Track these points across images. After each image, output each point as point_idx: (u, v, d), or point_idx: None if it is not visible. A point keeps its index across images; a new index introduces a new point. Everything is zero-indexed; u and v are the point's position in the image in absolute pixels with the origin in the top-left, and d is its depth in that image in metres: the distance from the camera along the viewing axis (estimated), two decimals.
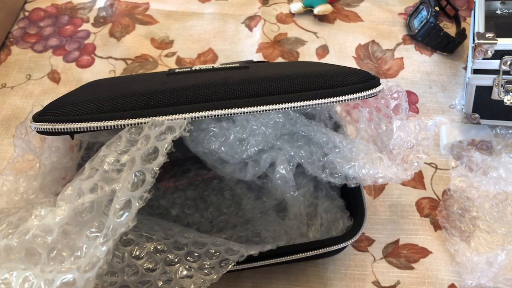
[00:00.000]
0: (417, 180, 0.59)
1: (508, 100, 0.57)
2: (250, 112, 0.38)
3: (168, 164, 0.42)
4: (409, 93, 0.69)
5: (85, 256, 0.30)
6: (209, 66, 0.53)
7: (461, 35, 0.74)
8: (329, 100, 0.40)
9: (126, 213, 0.30)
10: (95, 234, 0.31)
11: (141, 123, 0.36)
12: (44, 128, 0.37)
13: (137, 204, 0.30)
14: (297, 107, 0.39)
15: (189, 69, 0.52)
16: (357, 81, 0.41)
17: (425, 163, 0.61)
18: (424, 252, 0.53)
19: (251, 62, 0.64)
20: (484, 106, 0.61)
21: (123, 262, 0.37)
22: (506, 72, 0.57)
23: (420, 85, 0.70)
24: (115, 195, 0.31)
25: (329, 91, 0.40)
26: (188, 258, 0.39)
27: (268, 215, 0.53)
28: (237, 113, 0.38)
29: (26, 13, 0.81)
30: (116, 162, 0.33)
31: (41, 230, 0.31)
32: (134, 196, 0.30)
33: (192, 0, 0.84)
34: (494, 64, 0.57)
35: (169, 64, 0.73)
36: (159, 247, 0.39)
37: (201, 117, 0.38)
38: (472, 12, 0.65)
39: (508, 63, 0.56)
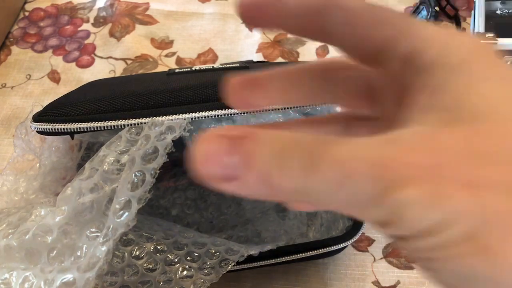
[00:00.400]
0: None
1: None
2: (250, 112, 0.38)
3: (168, 164, 0.42)
4: None
5: (85, 256, 0.30)
6: (209, 66, 0.53)
7: None
8: None
9: (126, 213, 0.30)
10: (95, 234, 0.31)
11: (141, 123, 0.36)
12: (44, 128, 0.37)
13: (137, 204, 0.30)
14: (296, 107, 0.39)
15: (189, 69, 0.52)
16: None
17: None
18: None
19: (251, 62, 0.64)
20: None
21: (123, 262, 0.37)
22: None
23: None
24: (115, 195, 0.31)
25: None
26: (188, 258, 0.39)
27: (268, 215, 0.53)
28: (237, 113, 0.38)
29: (26, 13, 0.81)
30: (116, 162, 0.33)
31: (41, 230, 0.31)
32: (134, 196, 0.30)
33: (192, 0, 0.84)
34: None
35: (169, 64, 0.73)
36: (159, 247, 0.39)
37: (201, 117, 0.38)
38: (472, 12, 0.65)
39: (508, 63, 0.56)
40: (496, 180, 0.14)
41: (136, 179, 0.31)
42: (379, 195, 0.14)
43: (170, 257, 0.39)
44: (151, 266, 0.38)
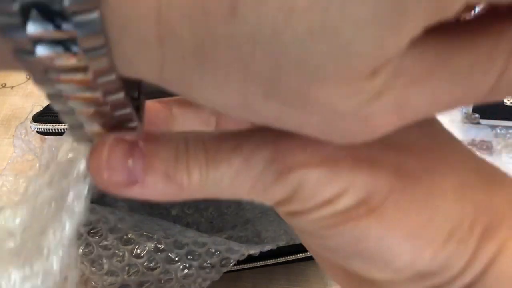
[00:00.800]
0: None
1: (508, 100, 0.57)
2: None
3: None
4: None
5: (50, 257, 0.29)
6: None
7: None
8: None
9: (78, 206, 0.29)
10: (58, 231, 0.30)
11: None
12: (44, 129, 0.37)
13: (87, 194, 0.28)
14: None
15: None
16: None
17: None
18: None
19: None
20: (484, 106, 0.61)
21: (123, 261, 0.37)
22: None
23: None
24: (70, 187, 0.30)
25: None
26: (188, 256, 0.39)
27: (268, 215, 0.53)
28: None
29: None
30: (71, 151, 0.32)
31: (4, 235, 0.30)
32: (83, 187, 0.29)
33: None
34: None
35: None
36: (159, 246, 0.39)
37: None
38: (472, 12, 0.65)
39: None
40: (382, 159, 0.16)
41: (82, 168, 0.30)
42: (280, 174, 0.15)
43: (171, 256, 0.39)
44: (151, 265, 0.38)
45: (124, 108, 0.14)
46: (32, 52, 0.11)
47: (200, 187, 0.16)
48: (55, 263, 0.29)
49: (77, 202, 0.29)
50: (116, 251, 0.37)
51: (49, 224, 0.31)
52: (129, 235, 0.38)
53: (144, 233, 0.39)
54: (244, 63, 0.11)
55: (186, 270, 0.38)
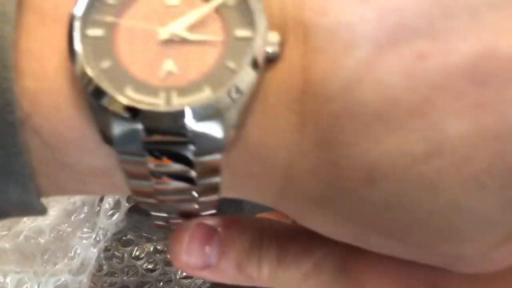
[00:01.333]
0: None
1: None
2: None
3: None
4: None
5: (78, 257, 0.29)
6: None
7: None
8: None
9: (116, 214, 0.29)
10: (87, 234, 0.30)
11: None
12: None
13: (127, 203, 0.29)
14: None
15: None
16: None
17: None
18: None
19: None
20: None
21: (122, 263, 0.37)
22: None
23: None
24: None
25: None
26: None
27: None
28: None
29: None
30: None
31: (33, 232, 0.30)
32: (123, 196, 0.29)
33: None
34: None
35: None
36: (159, 247, 0.38)
37: None
38: None
39: None
40: (456, 286, 0.15)
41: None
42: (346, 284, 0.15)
43: None
44: (151, 267, 0.37)
45: (212, 208, 0.15)
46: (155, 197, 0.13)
47: (268, 282, 0.16)
48: (79, 264, 0.29)
49: (112, 209, 0.30)
50: (115, 252, 0.37)
51: (80, 227, 0.31)
52: (128, 236, 0.38)
53: (144, 234, 0.38)
54: (369, 218, 0.11)
55: (185, 272, 0.37)
